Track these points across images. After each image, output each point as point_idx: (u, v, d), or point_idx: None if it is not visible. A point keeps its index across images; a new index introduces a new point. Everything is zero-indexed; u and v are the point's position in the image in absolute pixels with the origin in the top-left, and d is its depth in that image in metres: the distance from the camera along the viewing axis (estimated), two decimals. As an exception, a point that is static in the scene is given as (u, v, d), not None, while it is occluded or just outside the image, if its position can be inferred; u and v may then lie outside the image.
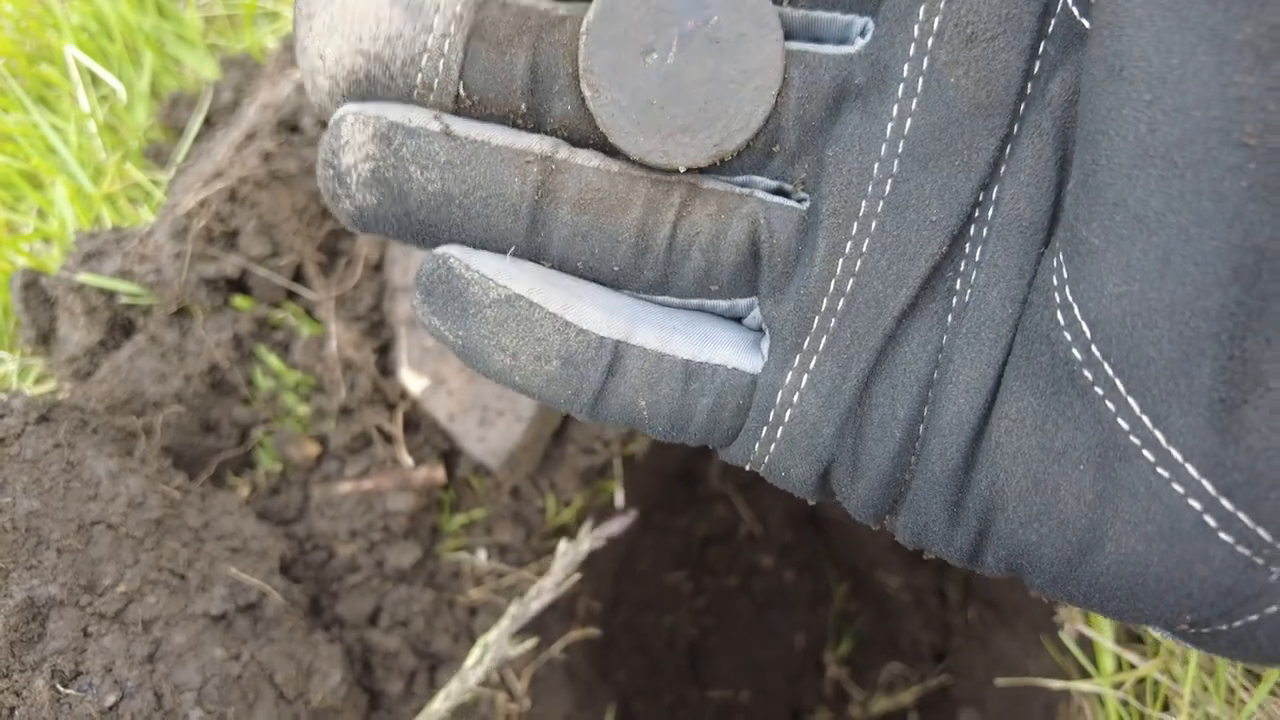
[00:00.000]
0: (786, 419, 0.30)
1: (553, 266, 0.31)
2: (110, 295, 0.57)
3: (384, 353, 0.61)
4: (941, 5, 0.26)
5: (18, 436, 0.44)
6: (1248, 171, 0.22)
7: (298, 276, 0.61)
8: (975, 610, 0.82)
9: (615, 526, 0.58)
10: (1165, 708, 0.48)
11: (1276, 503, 0.23)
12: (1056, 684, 0.52)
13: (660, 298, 0.31)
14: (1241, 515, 0.24)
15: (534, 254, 0.30)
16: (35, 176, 0.68)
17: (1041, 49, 0.26)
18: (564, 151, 0.29)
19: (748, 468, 0.32)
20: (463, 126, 0.29)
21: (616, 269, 0.30)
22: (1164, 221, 0.23)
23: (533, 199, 0.29)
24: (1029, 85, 0.27)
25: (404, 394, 0.60)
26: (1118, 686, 0.49)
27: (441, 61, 0.28)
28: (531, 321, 0.29)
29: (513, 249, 0.30)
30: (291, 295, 0.61)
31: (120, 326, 0.58)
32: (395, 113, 0.28)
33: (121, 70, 0.70)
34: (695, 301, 0.31)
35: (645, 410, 0.30)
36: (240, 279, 0.60)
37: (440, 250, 0.30)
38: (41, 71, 0.70)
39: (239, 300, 0.60)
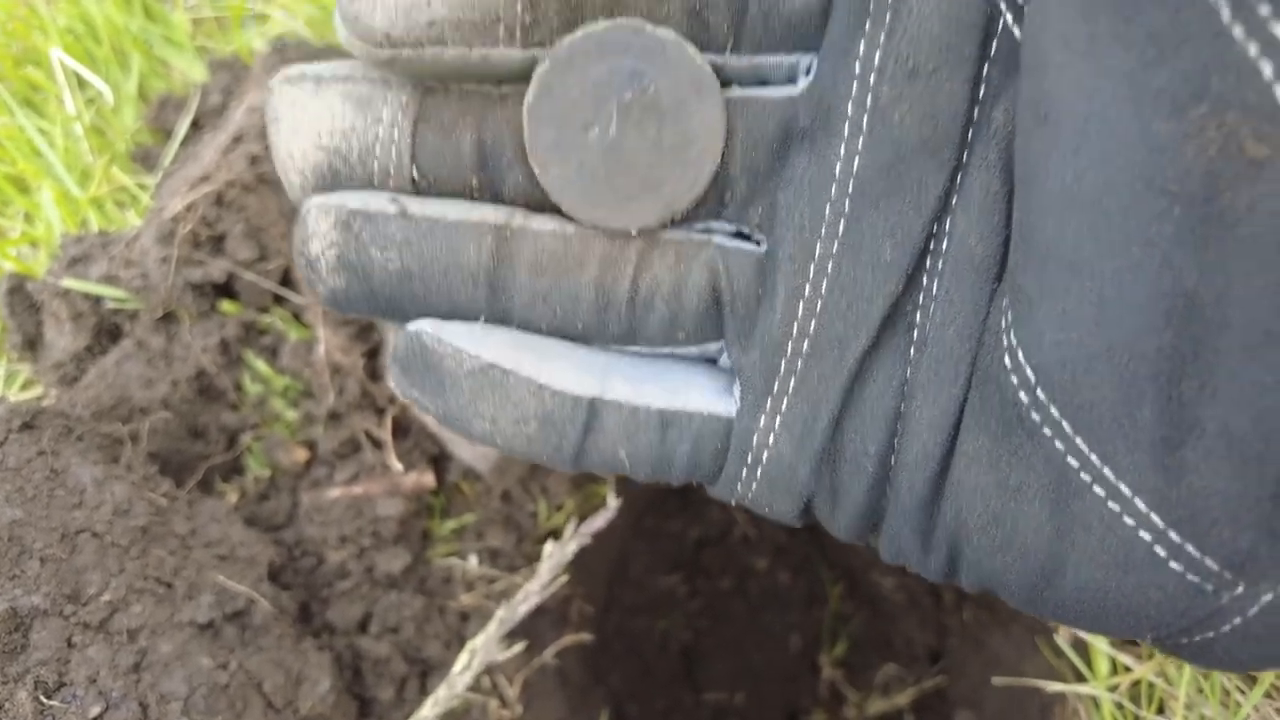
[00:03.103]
0: (764, 460, 0.31)
1: (518, 329, 0.32)
2: (96, 300, 0.57)
3: (373, 357, 0.61)
4: (881, 39, 0.26)
5: (0, 444, 0.44)
6: (1172, 217, 0.21)
7: (285, 281, 0.61)
8: (970, 612, 0.82)
9: (600, 521, 0.58)
10: (1160, 710, 0.47)
11: (1219, 536, 0.24)
12: (1052, 686, 0.52)
13: (630, 348, 0.32)
14: (1189, 547, 0.24)
15: (499, 319, 0.31)
16: (21, 180, 0.67)
17: (985, 73, 0.26)
18: (519, 218, 0.30)
19: (733, 503, 0.33)
20: (418, 206, 0.30)
21: (581, 326, 0.31)
22: (1096, 270, 0.23)
23: (489, 266, 0.30)
24: (975, 112, 0.26)
25: (393, 399, 0.60)
26: (1113, 689, 0.49)
27: (394, 148, 0.30)
28: (507, 388, 0.30)
29: (482, 316, 0.31)
30: (279, 300, 0.61)
31: (106, 331, 0.58)
32: (355, 200, 0.30)
33: (108, 73, 0.70)
34: (666, 349, 0.32)
35: (626, 459, 0.31)
36: (227, 283, 0.59)
37: (413, 327, 0.31)
38: (27, 74, 0.70)
39: (226, 305, 0.59)
